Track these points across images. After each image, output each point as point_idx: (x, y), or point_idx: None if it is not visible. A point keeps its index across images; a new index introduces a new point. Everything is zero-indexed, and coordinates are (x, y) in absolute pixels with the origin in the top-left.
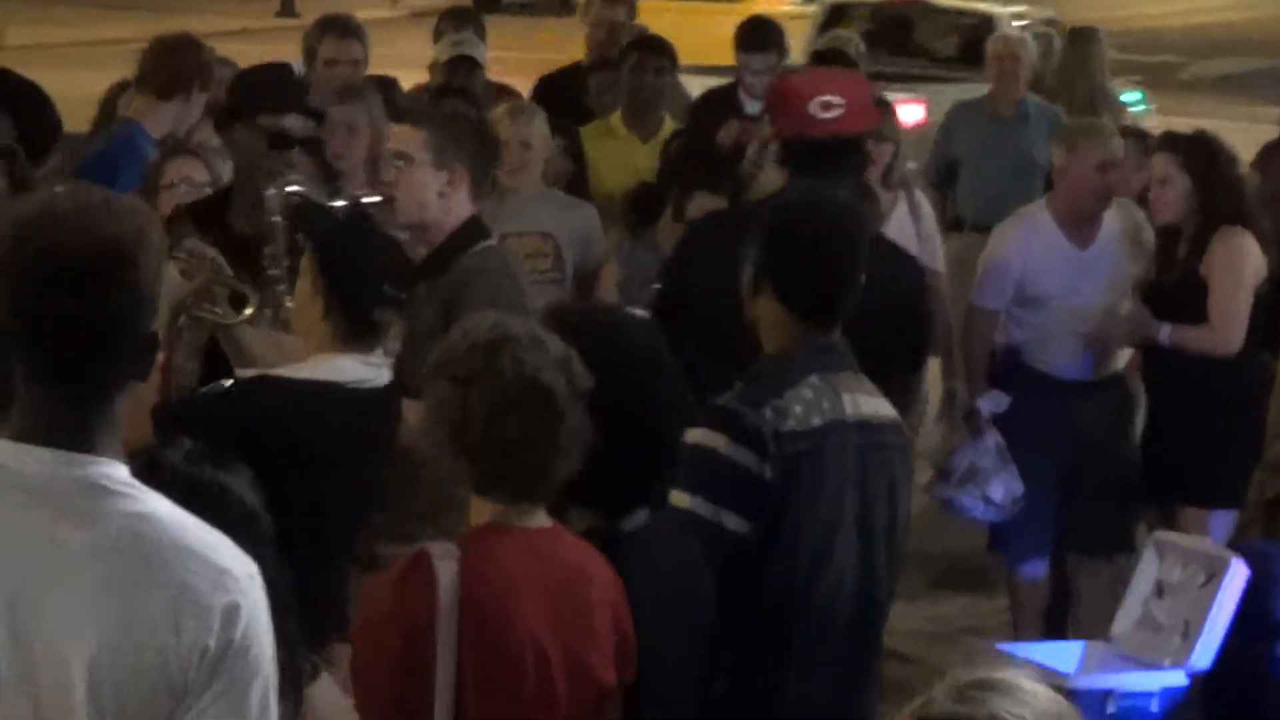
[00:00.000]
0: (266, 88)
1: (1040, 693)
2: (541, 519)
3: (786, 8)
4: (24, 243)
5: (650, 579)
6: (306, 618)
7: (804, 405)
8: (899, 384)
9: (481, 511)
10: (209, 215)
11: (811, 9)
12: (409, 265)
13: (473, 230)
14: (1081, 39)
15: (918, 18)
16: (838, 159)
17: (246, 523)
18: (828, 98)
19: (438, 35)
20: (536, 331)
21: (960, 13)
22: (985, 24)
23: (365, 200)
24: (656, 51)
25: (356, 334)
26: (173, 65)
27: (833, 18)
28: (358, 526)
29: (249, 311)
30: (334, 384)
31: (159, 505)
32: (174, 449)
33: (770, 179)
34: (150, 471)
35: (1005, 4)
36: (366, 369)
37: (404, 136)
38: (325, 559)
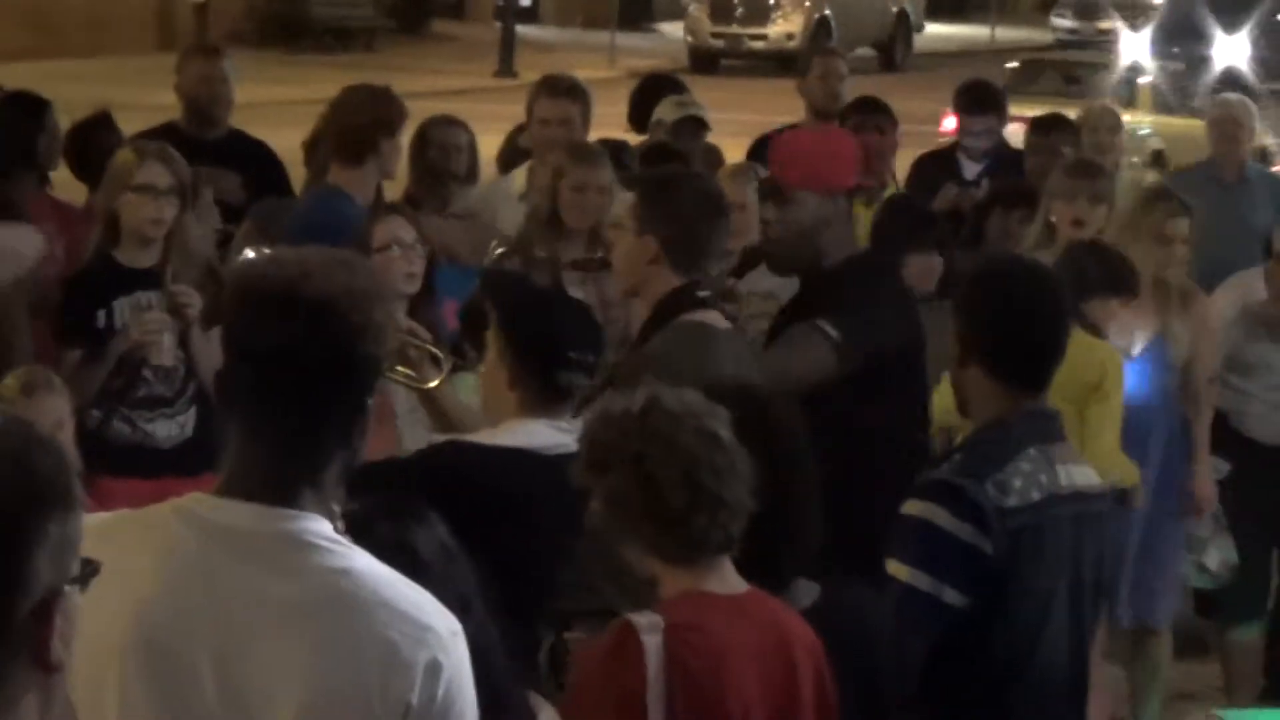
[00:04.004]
0: None
1: None
2: (737, 583)
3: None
4: (257, 287)
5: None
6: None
7: (1023, 479)
8: None
9: (673, 583)
10: None
11: None
12: (598, 329)
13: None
14: None
15: None
16: None
17: (441, 564)
18: None
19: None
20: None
21: None
22: None
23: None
24: (875, 111)
25: (545, 400)
26: (353, 128)
27: None
28: (551, 586)
29: (444, 374)
30: (526, 450)
31: (361, 561)
32: (354, 505)
33: None
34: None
35: None
36: (559, 434)
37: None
38: (519, 615)
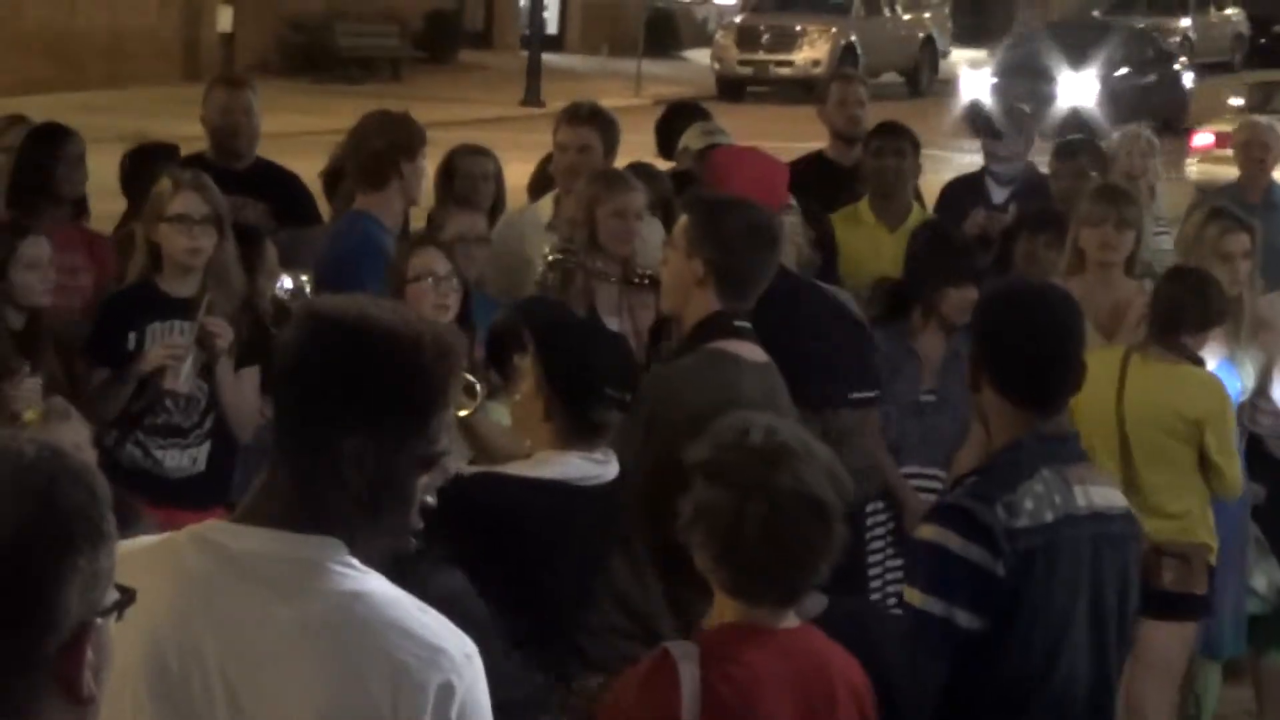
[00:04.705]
0: None
1: None
2: (790, 619)
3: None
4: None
5: None
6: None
7: (1035, 500)
8: None
9: (725, 609)
10: None
11: None
12: (634, 365)
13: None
14: None
15: None
16: None
17: (446, 607)
18: None
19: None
20: (805, 438)
21: None
22: None
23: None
24: (896, 135)
25: (579, 433)
26: (373, 154)
27: None
28: (581, 619)
29: (478, 403)
30: (560, 481)
31: (374, 584)
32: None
33: None
34: None
35: None
36: (592, 466)
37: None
38: (545, 643)
